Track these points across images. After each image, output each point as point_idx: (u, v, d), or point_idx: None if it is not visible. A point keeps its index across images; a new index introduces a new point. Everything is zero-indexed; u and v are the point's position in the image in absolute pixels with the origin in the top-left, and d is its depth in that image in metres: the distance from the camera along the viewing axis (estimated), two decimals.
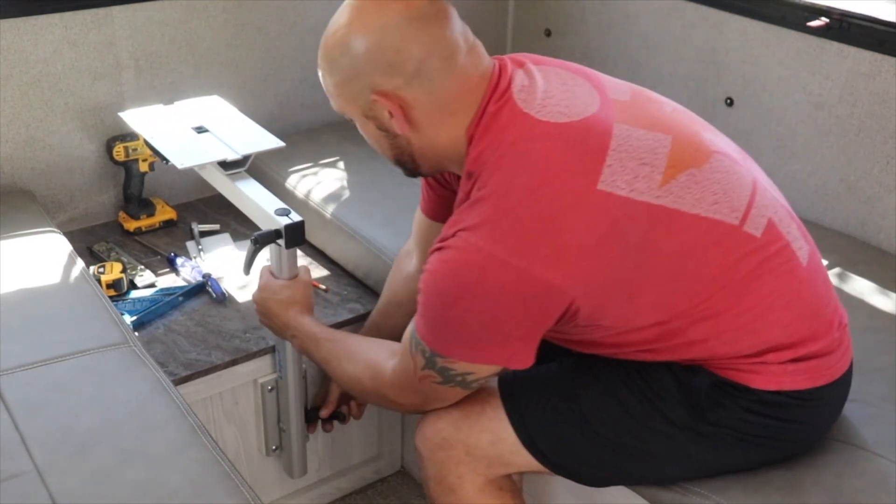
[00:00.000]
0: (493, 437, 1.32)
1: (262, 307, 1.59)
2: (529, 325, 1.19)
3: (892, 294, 1.71)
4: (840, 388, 1.31)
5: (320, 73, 1.28)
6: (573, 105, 1.21)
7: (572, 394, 1.30)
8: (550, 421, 1.31)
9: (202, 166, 1.64)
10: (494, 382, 1.35)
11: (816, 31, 1.93)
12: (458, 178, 1.30)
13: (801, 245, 1.28)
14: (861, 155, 1.92)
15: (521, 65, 1.27)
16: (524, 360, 1.21)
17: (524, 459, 1.33)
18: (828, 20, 1.91)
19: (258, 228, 1.55)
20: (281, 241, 1.51)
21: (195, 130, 1.72)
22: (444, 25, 1.20)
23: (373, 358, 1.39)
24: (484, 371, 1.24)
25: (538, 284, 1.14)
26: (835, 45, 1.91)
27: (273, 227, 1.51)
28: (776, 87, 2.04)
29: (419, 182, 1.52)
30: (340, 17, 1.23)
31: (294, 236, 1.51)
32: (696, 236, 1.20)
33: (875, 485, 1.28)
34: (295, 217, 1.51)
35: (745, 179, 1.26)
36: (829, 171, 1.99)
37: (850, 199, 1.96)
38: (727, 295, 1.22)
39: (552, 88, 1.23)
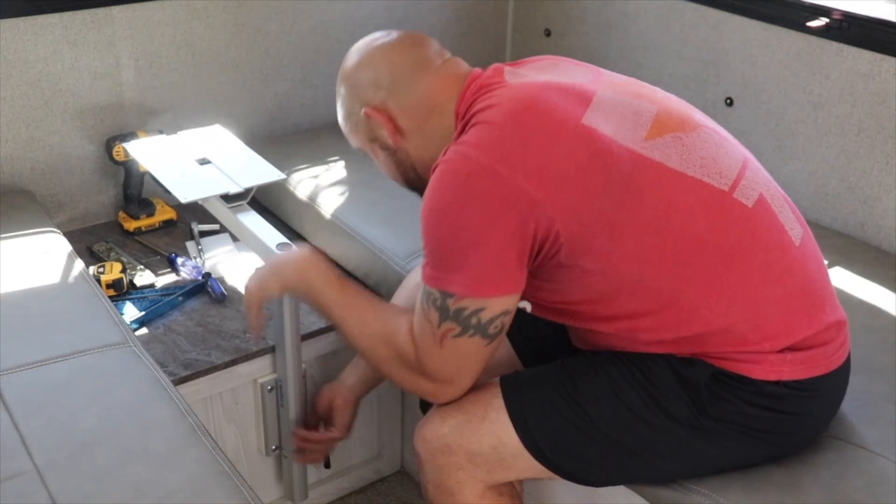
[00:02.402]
0: (495, 441, 1.32)
1: (271, 267, 1.46)
2: (518, 242, 1.19)
3: (892, 294, 1.72)
4: (838, 379, 1.31)
5: (339, 119, 1.42)
6: (561, 76, 1.30)
7: (573, 392, 1.30)
8: (552, 420, 1.31)
9: (205, 199, 1.64)
10: (497, 384, 1.35)
11: (816, 31, 1.93)
12: None
13: (795, 226, 1.29)
14: (861, 155, 1.92)
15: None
16: (521, 281, 1.23)
17: (526, 463, 1.33)
18: (828, 20, 1.91)
19: None
20: None
21: (198, 162, 1.73)
22: (418, 47, 1.35)
23: (393, 338, 1.31)
24: (494, 306, 1.21)
25: (521, 195, 1.17)
26: (834, 45, 1.91)
27: None
28: (776, 87, 2.05)
29: None
30: (345, 63, 1.39)
31: None
32: (683, 194, 1.22)
33: (875, 484, 1.28)
34: None
35: (734, 154, 1.28)
36: (829, 171, 1.99)
37: (850, 199, 1.96)
38: (715, 260, 1.22)
39: (542, 69, 1.33)
